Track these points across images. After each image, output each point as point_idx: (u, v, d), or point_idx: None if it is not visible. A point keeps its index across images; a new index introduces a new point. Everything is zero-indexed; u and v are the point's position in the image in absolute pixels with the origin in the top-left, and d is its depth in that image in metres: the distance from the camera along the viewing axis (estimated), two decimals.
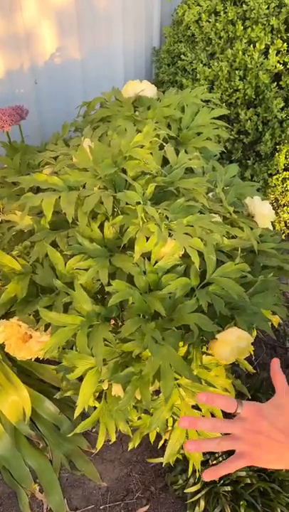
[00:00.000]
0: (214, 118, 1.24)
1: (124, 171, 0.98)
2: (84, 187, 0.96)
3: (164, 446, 1.03)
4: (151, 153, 1.00)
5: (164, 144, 1.06)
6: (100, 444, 0.97)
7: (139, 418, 1.01)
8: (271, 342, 1.60)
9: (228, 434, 0.54)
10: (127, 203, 0.92)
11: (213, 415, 0.96)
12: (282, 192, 1.67)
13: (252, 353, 0.93)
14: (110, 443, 1.34)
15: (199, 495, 1.14)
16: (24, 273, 0.97)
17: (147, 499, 1.25)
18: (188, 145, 1.18)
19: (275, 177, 1.62)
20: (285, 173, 1.61)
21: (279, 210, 1.74)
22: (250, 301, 0.94)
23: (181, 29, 1.75)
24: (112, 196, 0.91)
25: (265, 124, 1.58)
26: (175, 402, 0.93)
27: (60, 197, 0.91)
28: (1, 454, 1.24)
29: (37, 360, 1.00)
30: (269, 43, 1.50)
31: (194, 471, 1.08)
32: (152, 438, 1.02)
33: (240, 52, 1.51)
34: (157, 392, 0.92)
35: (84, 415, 0.94)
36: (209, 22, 1.62)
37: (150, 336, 0.83)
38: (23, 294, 0.94)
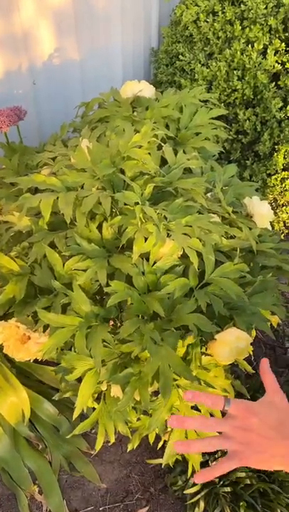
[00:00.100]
0: (212, 118, 1.23)
1: (123, 172, 0.97)
2: (82, 187, 0.96)
3: (163, 447, 1.03)
4: (149, 153, 1.00)
5: (163, 144, 1.06)
6: (99, 446, 0.97)
7: (138, 419, 1.01)
8: (270, 342, 1.60)
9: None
10: (125, 204, 0.92)
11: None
12: (281, 192, 1.67)
13: (251, 353, 0.93)
14: (109, 444, 1.33)
15: (199, 496, 1.14)
16: (22, 274, 0.97)
17: (147, 500, 1.25)
18: (187, 145, 1.18)
19: (273, 177, 1.62)
20: (283, 173, 1.61)
21: (278, 210, 1.74)
22: (249, 302, 0.94)
23: (179, 29, 1.75)
24: (111, 197, 0.91)
25: (264, 124, 1.58)
26: (174, 403, 0.93)
27: (58, 197, 0.91)
28: (0, 455, 1.24)
29: (36, 361, 1.00)
30: (267, 43, 1.50)
31: (194, 472, 1.07)
32: (151, 439, 1.02)
33: (239, 53, 1.51)
34: (156, 393, 0.92)
35: (83, 416, 0.94)
36: (207, 22, 1.61)
37: (149, 337, 0.83)
38: (22, 295, 0.94)
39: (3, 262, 0.96)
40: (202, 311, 0.87)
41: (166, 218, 0.91)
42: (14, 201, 1.01)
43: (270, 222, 1.14)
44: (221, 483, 1.14)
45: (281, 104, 1.48)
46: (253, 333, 0.97)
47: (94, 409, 0.97)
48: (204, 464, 1.15)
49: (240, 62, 1.52)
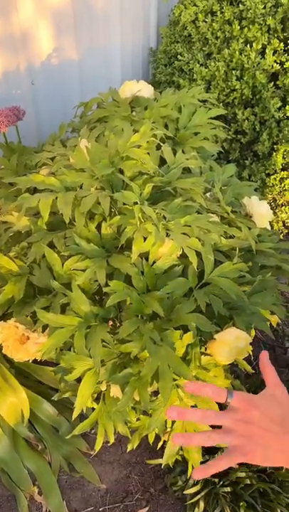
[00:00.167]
0: (211, 118, 1.23)
1: (122, 172, 0.97)
2: (81, 187, 0.96)
3: (163, 447, 1.02)
4: (148, 153, 0.99)
5: (162, 144, 1.06)
6: (98, 446, 0.96)
7: (138, 419, 1.01)
8: (270, 342, 1.60)
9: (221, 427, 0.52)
10: (124, 204, 0.92)
11: None
12: (280, 192, 1.67)
13: (250, 353, 0.93)
14: (109, 444, 1.33)
15: (199, 496, 1.14)
16: (21, 274, 0.97)
17: (147, 501, 1.24)
18: (186, 145, 1.18)
19: (272, 177, 1.62)
20: (282, 172, 1.61)
21: (277, 210, 1.74)
22: (249, 301, 0.94)
23: (178, 29, 1.75)
24: (110, 196, 0.91)
25: (263, 123, 1.58)
26: (174, 403, 0.93)
27: (57, 197, 0.91)
28: (0, 456, 1.23)
29: (35, 361, 0.99)
30: (266, 43, 1.50)
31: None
32: (151, 439, 1.02)
33: (237, 52, 1.51)
34: (156, 393, 0.92)
35: (82, 417, 0.94)
36: (206, 22, 1.61)
37: (148, 337, 0.83)
38: (21, 296, 0.94)
39: (2, 262, 0.96)
40: (201, 311, 0.87)
41: (165, 218, 0.91)
42: (13, 201, 1.01)
43: (269, 222, 1.14)
44: (221, 483, 1.14)
45: (280, 103, 1.48)
46: (253, 332, 0.97)
47: (93, 409, 0.97)
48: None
49: (238, 62, 1.52)
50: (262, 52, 1.52)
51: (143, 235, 0.88)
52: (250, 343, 0.90)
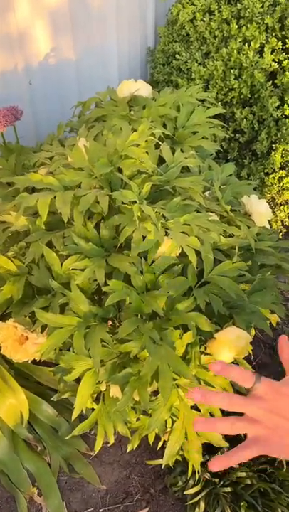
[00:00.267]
0: (210, 117, 1.23)
1: (120, 170, 0.97)
2: (79, 186, 0.95)
3: (163, 447, 1.02)
4: (147, 152, 0.99)
5: (160, 142, 1.06)
6: (98, 447, 0.96)
7: (138, 419, 1.00)
8: (270, 341, 1.60)
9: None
10: (123, 203, 0.91)
11: (212, 415, 0.95)
12: (279, 191, 1.67)
13: (251, 352, 0.92)
14: (109, 445, 1.32)
15: (199, 496, 1.13)
16: (20, 274, 0.96)
17: (147, 501, 1.24)
18: (184, 144, 1.17)
19: (271, 176, 1.62)
20: (281, 171, 1.61)
21: (276, 209, 1.73)
22: (249, 300, 0.93)
23: (176, 29, 1.75)
24: (108, 196, 0.90)
25: (261, 122, 1.58)
26: (174, 403, 0.92)
27: (55, 197, 0.90)
28: None
29: (34, 362, 0.99)
30: (264, 42, 1.49)
31: (194, 472, 1.07)
32: (151, 439, 1.01)
33: (235, 51, 1.51)
34: (156, 392, 0.91)
35: (82, 417, 0.93)
36: (204, 21, 1.61)
37: (148, 336, 0.82)
38: (19, 296, 0.93)
39: (0, 263, 0.95)
40: (201, 310, 0.87)
41: (164, 217, 0.91)
42: (11, 201, 1.00)
43: (268, 222, 1.14)
44: (221, 483, 1.13)
45: (278, 102, 1.48)
46: (253, 332, 0.97)
47: (93, 409, 0.96)
48: (204, 465, 1.14)
49: (236, 61, 1.52)
50: (260, 51, 1.52)
51: (142, 234, 0.88)
52: (250, 343, 0.90)
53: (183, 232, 0.89)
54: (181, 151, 1.09)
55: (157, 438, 1.03)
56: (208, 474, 1.13)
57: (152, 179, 0.96)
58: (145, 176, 0.97)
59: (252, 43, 1.49)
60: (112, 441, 0.96)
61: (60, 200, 0.89)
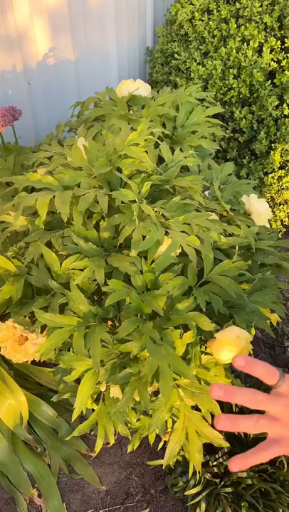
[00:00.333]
0: (209, 116, 1.23)
1: (119, 170, 0.96)
2: (79, 186, 0.95)
3: (163, 447, 1.01)
4: (146, 151, 0.99)
5: (160, 142, 1.05)
6: (98, 447, 0.96)
7: (138, 420, 1.00)
8: (270, 341, 1.59)
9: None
10: (122, 202, 0.91)
11: (212, 416, 0.95)
12: (278, 190, 1.67)
13: (251, 351, 0.92)
14: (109, 446, 1.32)
15: (200, 497, 1.13)
16: (19, 274, 0.96)
17: (147, 502, 1.23)
18: (184, 143, 1.17)
19: (270, 175, 1.62)
20: (280, 171, 1.60)
21: (275, 209, 1.73)
22: (249, 300, 0.93)
23: (175, 28, 1.75)
24: (108, 195, 0.90)
25: (260, 122, 1.58)
26: (174, 403, 0.92)
27: (54, 196, 0.90)
28: None
29: (33, 362, 0.98)
30: (263, 41, 1.49)
31: (194, 472, 1.06)
32: (152, 440, 1.01)
33: (234, 51, 1.51)
34: (156, 393, 0.91)
35: (82, 418, 0.93)
36: (202, 21, 1.61)
37: (148, 336, 0.82)
38: (19, 296, 0.93)
39: None
40: (201, 310, 0.86)
41: (164, 216, 0.90)
42: (10, 201, 1.00)
43: (268, 221, 1.13)
44: (222, 483, 1.13)
45: (277, 102, 1.48)
46: (253, 331, 0.97)
47: (93, 410, 0.96)
48: (205, 465, 1.14)
49: (235, 60, 1.52)
50: (259, 51, 1.52)
51: (142, 234, 0.87)
52: (250, 342, 0.89)
53: (183, 232, 0.89)
54: (181, 150, 1.09)
55: (158, 438, 1.02)
56: (208, 474, 1.13)
57: (152, 178, 0.96)
58: (145, 176, 0.97)
59: (251, 43, 1.49)
60: (112, 441, 0.96)
61: (59, 199, 0.89)
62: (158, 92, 1.29)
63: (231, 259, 0.93)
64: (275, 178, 1.62)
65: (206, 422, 0.93)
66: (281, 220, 1.76)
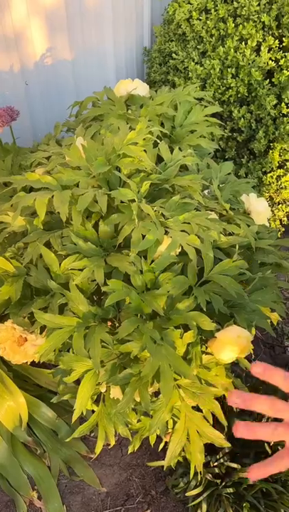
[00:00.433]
0: (207, 116, 1.22)
1: (118, 169, 0.96)
2: (77, 186, 0.94)
3: (164, 448, 1.01)
4: (145, 150, 0.98)
5: (158, 141, 1.05)
6: (98, 449, 0.95)
7: (139, 421, 0.99)
8: (270, 341, 1.59)
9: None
10: (122, 201, 0.90)
11: (213, 416, 0.94)
12: (277, 190, 1.67)
13: (251, 351, 0.91)
14: (109, 447, 1.31)
15: (201, 498, 1.12)
16: (18, 275, 0.95)
17: (148, 503, 1.23)
18: (182, 143, 1.17)
19: (269, 175, 1.61)
20: (279, 170, 1.60)
21: (274, 208, 1.73)
22: (249, 299, 0.92)
23: (172, 28, 1.74)
24: (107, 194, 0.89)
25: (259, 121, 1.57)
26: (175, 404, 0.91)
27: (53, 196, 0.89)
28: None
29: (33, 363, 0.98)
30: (261, 40, 1.49)
31: (196, 473, 1.06)
32: (152, 441, 1.00)
33: (232, 50, 1.51)
34: (157, 393, 0.90)
35: (82, 419, 0.92)
36: (200, 20, 1.61)
37: (148, 336, 0.81)
38: (18, 297, 0.92)
39: None
40: (202, 309, 0.86)
41: (163, 215, 0.90)
42: (8, 201, 0.99)
43: (267, 220, 1.13)
44: (224, 484, 1.12)
45: (275, 101, 1.48)
46: (253, 331, 0.96)
47: (93, 411, 0.95)
48: (206, 465, 1.13)
49: (233, 59, 1.52)
50: (257, 50, 1.52)
51: (141, 233, 0.87)
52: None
53: (183, 231, 0.88)
54: (180, 149, 1.08)
55: (158, 439, 1.02)
56: (210, 475, 1.12)
57: (151, 178, 0.95)
58: (144, 175, 0.96)
59: (249, 42, 1.49)
60: (112, 443, 0.95)
61: (57, 199, 0.88)
62: (156, 91, 1.28)
63: (231, 259, 0.93)
64: (274, 177, 1.62)
65: (207, 422, 0.93)
66: (280, 220, 1.76)
